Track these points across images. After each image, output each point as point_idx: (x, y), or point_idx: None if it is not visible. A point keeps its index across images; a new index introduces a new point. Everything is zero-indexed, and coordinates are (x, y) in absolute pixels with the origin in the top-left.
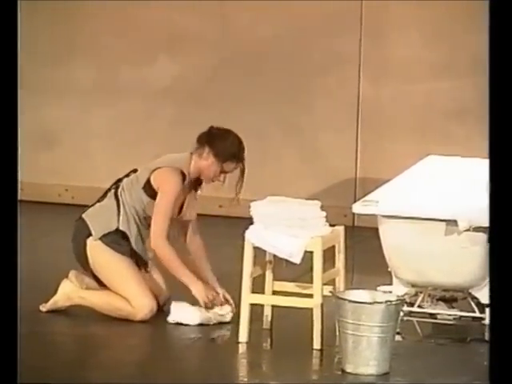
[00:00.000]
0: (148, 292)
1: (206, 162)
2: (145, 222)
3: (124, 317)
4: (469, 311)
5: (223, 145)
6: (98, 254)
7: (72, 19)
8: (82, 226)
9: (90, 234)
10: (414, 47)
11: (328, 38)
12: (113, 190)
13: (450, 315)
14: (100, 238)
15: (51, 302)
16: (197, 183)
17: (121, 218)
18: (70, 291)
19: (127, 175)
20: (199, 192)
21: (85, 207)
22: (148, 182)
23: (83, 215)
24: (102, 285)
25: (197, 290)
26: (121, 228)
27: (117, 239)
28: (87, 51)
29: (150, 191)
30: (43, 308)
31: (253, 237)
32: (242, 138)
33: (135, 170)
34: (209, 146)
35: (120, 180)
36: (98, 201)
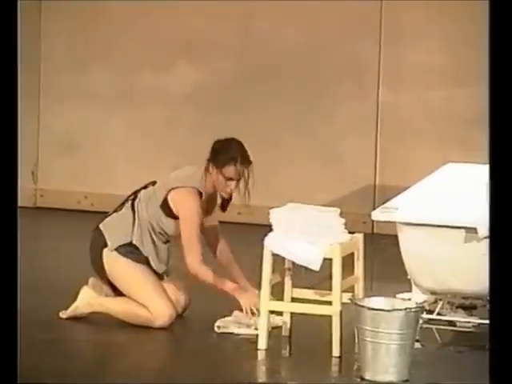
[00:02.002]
0: (167, 299)
1: (212, 175)
2: (160, 236)
3: (143, 323)
4: (488, 319)
5: (220, 151)
6: (115, 264)
7: (92, 26)
8: (99, 236)
9: (106, 245)
10: (433, 54)
11: (347, 45)
12: (130, 201)
13: (469, 323)
14: (116, 249)
15: (71, 308)
16: (215, 199)
17: (135, 231)
18: (90, 297)
19: (145, 187)
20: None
21: (104, 214)
22: (165, 200)
23: (100, 225)
24: (118, 294)
25: (245, 300)
26: (134, 242)
27: (132, 249)
28: (107, 57)
29: (168, 210)
30: (63, 315)
31: (272, 244)
32: (244, 144)
33: (154, 183)
34: (211, 159)
35: (138, 191)
36: (115, 210)
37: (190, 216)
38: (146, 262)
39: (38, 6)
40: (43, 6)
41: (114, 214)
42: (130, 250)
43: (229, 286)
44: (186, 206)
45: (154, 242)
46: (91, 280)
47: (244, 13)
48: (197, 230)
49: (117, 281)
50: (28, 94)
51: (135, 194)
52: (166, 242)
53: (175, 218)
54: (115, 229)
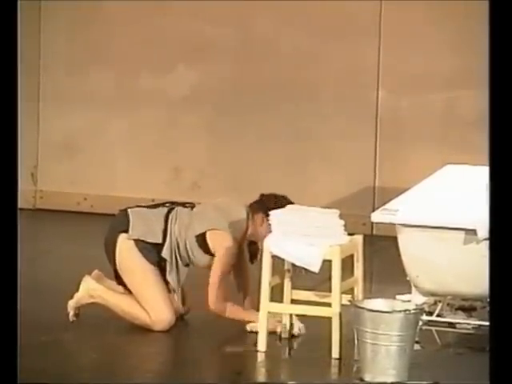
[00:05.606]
0: (168, 305)
1: (260, 225)
2: (184, 259)
3: (140, 325)
4: (488, 320)
5: (273, 205)
6: (127, 253)
7: (92, 27)
8: (122, 219)
9: (127, 230)
10: (433, 55)
11: (347, 48)
12: (166, 209)
13: (468, 324)
14: (134, 240)
15: (75, 300)
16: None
17: (166, 246)
18: (91, 288)
19: (184, 205)
20: None
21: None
22: (203, 236)
23: (128, 210)
24: (120, 282)
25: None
26: (163, 255)
27: (148, 247)
28: (107, 59)
29: (204, 245)
30: (70, 309)
31: (271, 245)
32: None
33: (192, 206)
34: (264, 211)
35: (176, 204)
36: (148, 206)
37: (224, 262)
38: (157, 263)
39: (38, 5)
40: (43, 6)
41: (146, 209)
42: (147, 248)
43: (241, 314)
44: (224, 254)
45: (177, 262)
46: (94, 273)
47: (244, 14)
48: (226, 274)
49: (124, 271)
50: (27, 95)
51: (172, 205)
52: (187, 265)
53: (210, 254)
54: (143, 221)
